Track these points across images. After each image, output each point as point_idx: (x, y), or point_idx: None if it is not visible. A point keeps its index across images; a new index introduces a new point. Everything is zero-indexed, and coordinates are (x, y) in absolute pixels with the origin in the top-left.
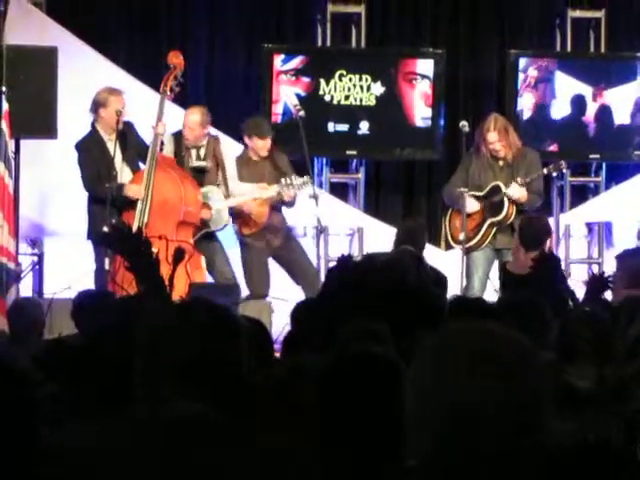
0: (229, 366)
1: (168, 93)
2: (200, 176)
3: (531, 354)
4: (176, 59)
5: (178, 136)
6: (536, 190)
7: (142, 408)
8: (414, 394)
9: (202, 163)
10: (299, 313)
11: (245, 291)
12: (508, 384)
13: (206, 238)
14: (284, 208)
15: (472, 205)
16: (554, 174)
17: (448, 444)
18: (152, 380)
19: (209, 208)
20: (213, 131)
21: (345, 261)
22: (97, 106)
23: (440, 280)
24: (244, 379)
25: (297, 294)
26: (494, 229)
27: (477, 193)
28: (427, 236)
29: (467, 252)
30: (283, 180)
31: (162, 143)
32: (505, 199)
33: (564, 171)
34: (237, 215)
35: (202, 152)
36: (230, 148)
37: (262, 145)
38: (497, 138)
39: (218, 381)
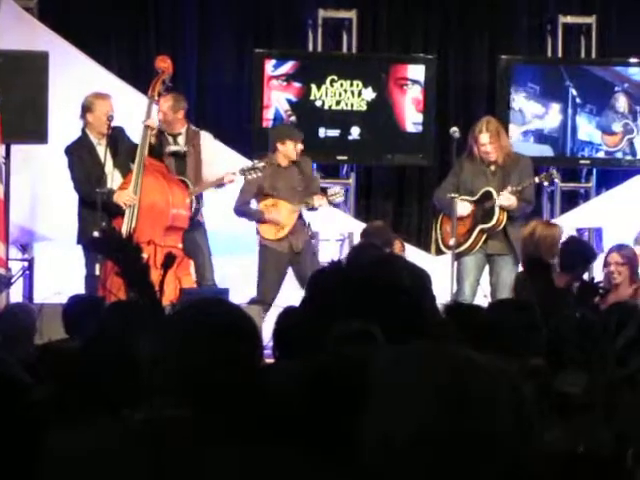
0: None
1: (156, 98)
2: (181, 164)
3: (507, 383)
4: (164, 63)
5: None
6: (527, 197)
7: (135, 413)
8: (380, 420)
9: (180, 148)
10: (285, 319)
11: (237, 295)
12: (482, 413)
13: (192, 231)
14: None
15: (464, 208)
16: (545, 183)
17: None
18: (156, 387)
19: None
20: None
21: (333, 266)
22: (84, 111)
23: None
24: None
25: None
26: (485, 235)
27: (469, 198)
28: (392, 234)
29: (458, 257)
30: (245, 166)
31: (155, 140)
32: (496, 206)
33: (556, 180)
34: (261, 220)
35: (180, 140)
36: (210, 142)
37: (294, 147)
38: (489, 140)
39: (228, 387)
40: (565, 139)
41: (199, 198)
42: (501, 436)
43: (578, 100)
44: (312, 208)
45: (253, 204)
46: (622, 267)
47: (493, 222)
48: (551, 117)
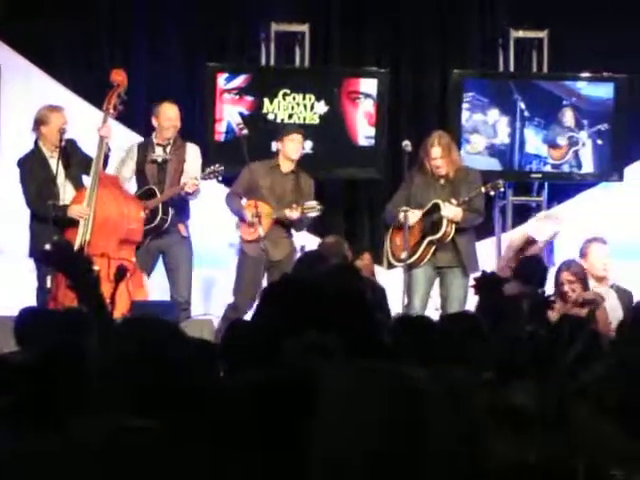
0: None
1: (111, 111)
2: (162, 171)
3: (458, 404)
4: (119, 77)
5: (143, 145)
6: (476, 208)
7: (87, 422)
8: (325, 443)
9: (165, 155)
10: (233, 332)
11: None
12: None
13: (174, 246)
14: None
15: (412, 216)
16: (492, 193)
17: None
18: (104, 397)
19: (146, 207)
20: None
21: (286, 278)
22: (38, 124)
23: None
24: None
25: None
26: (433, 247)
27: (417, 211)
28: (347, 250)
29: (407, 270)
30: (207, 169)
31: (109, 149)
32: (443, 217)
33: (501, 189)
34: (239, 215)
35: (168, 149)
36: (195, 152)
37: (292, 146)
38: (440, 154)
39: (170, 398)
40: (513, 152)
41: (168, 208)
42: (452, 455)
43: (526, 113)
44: (288, 220)
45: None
46: (575, 285)
47: (440, 234)
48: (499, 130)
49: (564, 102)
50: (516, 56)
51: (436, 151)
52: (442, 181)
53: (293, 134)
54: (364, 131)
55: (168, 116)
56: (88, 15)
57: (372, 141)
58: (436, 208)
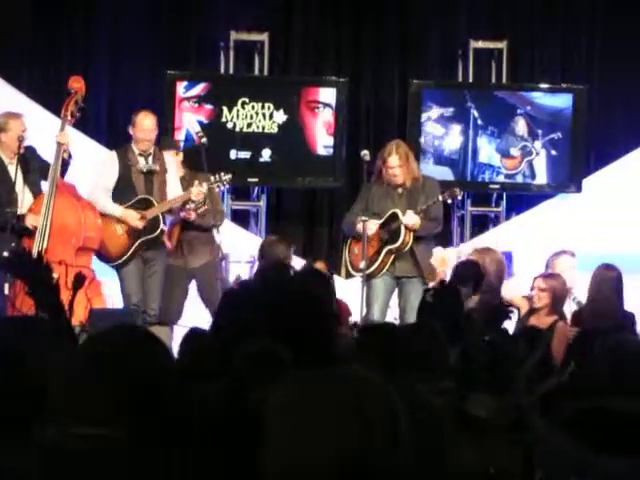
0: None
1: (69, 118)
2: (149, 182)
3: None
4: (77, 84)
5: (122, 152)
6: (433, 216)
7: (45, 433)
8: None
9: (152, 166)
10: (193, 340)
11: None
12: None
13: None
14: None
15: (372, 226)
16: (449, 200)
17: None
18: (59, 406)
19: (144, 217)
20: None
21: (243, 285)
22: None
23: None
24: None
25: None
26: (392, 256)
27: (376, 221)
28: (290, 248)
29: (367, 279)
30: (212, 177)
31: (70, 156)
32: (402, 226)
33: (458, 197)
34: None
35: (150, 159)
36: (173, 162)
37: (171, 159)
38: (398, 163)
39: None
40: (466, 161)
41: (164, 218)
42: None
43: (480, 122)
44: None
45: None
46: (543, 293)
47: (399, 242)
48: (451, 138)
49: (518, 111)
50: (475, 66)
51: (394, 160)
52: (400, 190)
53: (165, 150)
54: (323, 140)
55: (143, 127)
56: (47, 22)
57: (331, 150)
58: (394, 217)
